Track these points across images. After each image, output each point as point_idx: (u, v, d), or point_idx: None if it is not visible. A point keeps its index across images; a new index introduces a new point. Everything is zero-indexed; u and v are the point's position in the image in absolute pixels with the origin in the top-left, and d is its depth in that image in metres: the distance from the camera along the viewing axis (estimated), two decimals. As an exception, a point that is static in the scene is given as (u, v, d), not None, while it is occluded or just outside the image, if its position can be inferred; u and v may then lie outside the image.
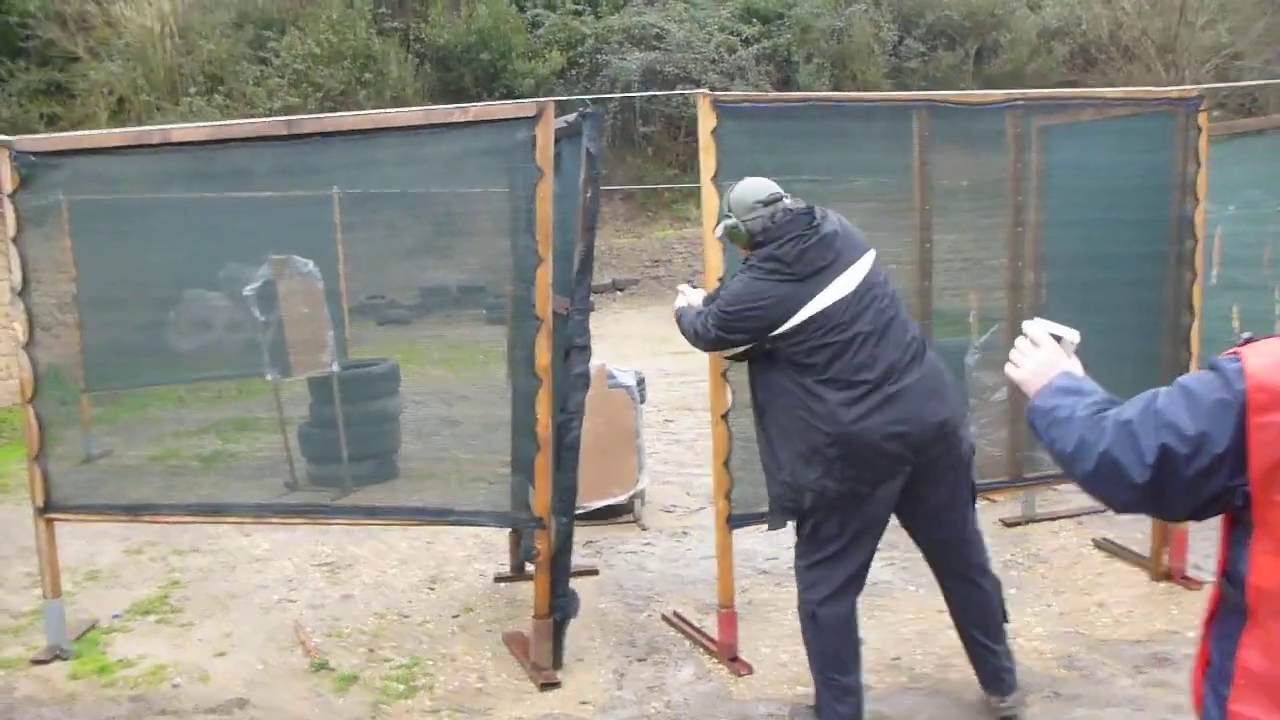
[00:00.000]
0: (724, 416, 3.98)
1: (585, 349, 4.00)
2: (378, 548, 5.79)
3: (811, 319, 3.26)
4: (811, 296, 3.27)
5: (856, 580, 3.43)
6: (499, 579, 5.19)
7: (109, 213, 4.94)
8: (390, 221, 6.11)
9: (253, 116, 17.77)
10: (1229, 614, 1.53)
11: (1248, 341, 1.51)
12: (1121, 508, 1.66)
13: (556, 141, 3.93)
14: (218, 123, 4.23)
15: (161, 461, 5.37)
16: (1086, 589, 4.78)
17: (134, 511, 4.57)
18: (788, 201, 3.43)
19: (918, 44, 22.52)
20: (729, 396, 3.96)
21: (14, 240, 4.22)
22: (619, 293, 18.33)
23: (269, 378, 6.87)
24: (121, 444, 5.79)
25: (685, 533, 5.94)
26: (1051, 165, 4.69)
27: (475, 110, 4.00)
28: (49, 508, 4.45)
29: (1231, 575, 1.51)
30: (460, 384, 6.60)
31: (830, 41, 22.43)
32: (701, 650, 4.30)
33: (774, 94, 4.33)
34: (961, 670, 3.81)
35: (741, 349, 3.49)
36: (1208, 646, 1.60)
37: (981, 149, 4.48)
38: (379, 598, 5.06)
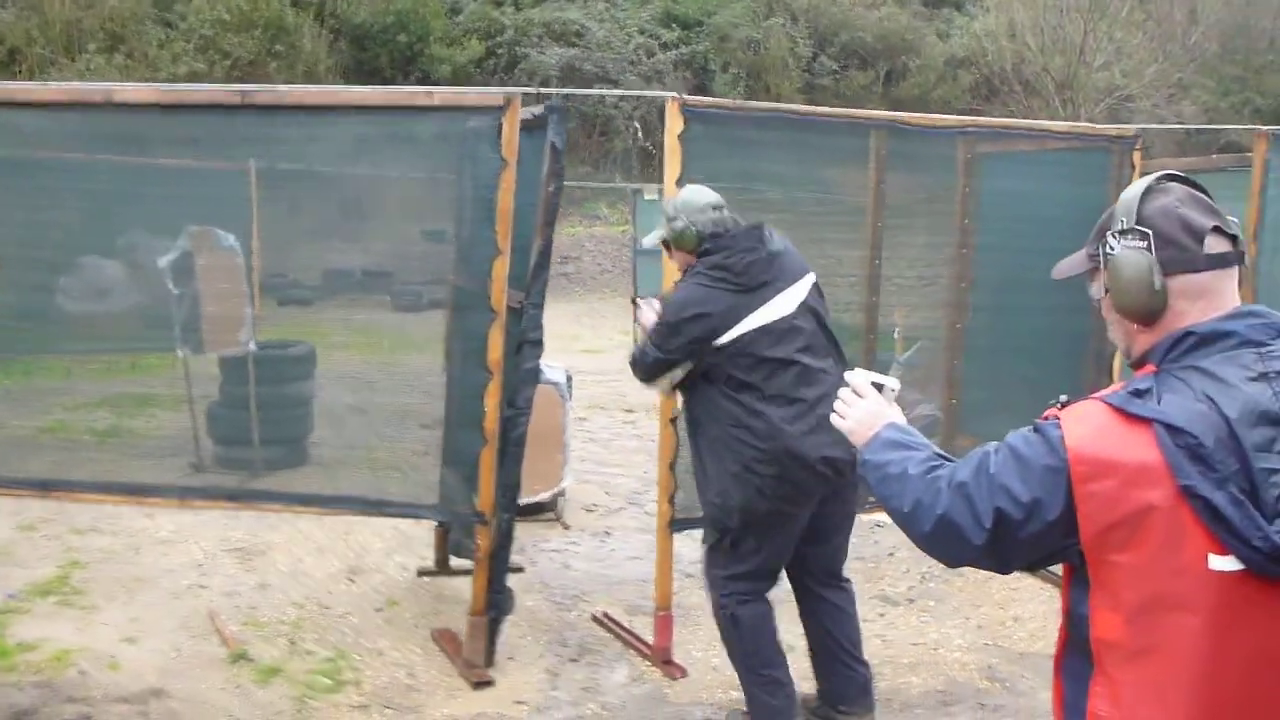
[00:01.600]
0: (672, 420, 3.98)
1: (538, 344, 3.96)
2: (291, 535, 5.61)
3: (751, 333, 3.28)
4: (752, 310, 3.30)
5: (772, 583, 3.52)
6: (422, 573, 5.09)
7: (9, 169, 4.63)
8: (313, 200, 5.94)
9: (155, 80, 17.08)
10: (1076, 652, 1.57)
11: (1065, 405, 1.57)
12: (958, 564, 1.74)
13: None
14: (167, 86, 4.04)
15: (53, 434, 5.10)
16: (1002, 603, 4.95)
17: (46, 487, 4.33)
18: (727, 211, 3.46)
19: (831, 62, 22.98)
20: (678, 399, 3.97)
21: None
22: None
23: (179, 354, 6.62)
24: (8, 414, 5.50)
25: (608, 533, 5.94)
26: (985, 191, 4.85)
27: (441, 96, 3.93)
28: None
29: (1074, 618, 1.57)
30: (371, 370, 6.44)
31: (746, 52, 22.72)
32: (633, 652, 4.30)
33: (741, 102, 4.37)
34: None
35: (681, 374, 3.44)
36: (1061, 684, 1.65)
37: (931, 171, 4.60)
38: (297, 587, 4.91)
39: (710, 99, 4.00)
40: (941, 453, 1.76)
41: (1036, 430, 1.55)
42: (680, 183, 3.83)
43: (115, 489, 4.35)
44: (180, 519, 5.78)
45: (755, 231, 3.39)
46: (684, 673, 4.09)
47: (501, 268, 3.84)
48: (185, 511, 5.61)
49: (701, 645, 4.35)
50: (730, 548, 3.43)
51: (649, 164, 19.96)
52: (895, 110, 4.66)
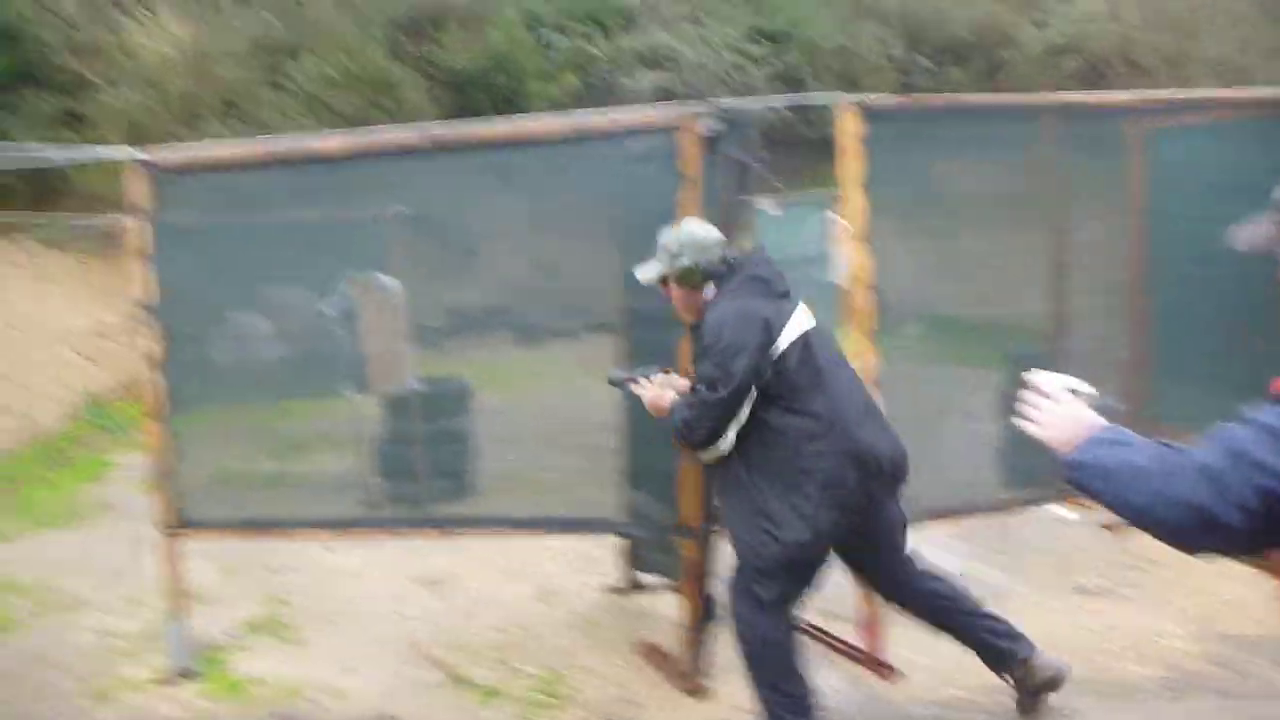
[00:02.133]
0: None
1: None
2: (472, 564, 5.74)
3: (796, 339, 3.23)
4: (790, 315, 3.28)
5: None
6: (612, 590, 5.16)
7: (204, 229, 4.86)
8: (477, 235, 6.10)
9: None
10: None
11: None
12: (1203, 550, 1.67)
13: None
14: (355, 133, 4.23)
15: (249, 479, 5.33)
16: (1210, 590, 4.78)
17: (260, 526, 4.54)
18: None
19: (926, 60, 22.68)
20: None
21: (149, 257, 4.21)
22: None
23: (347, 395, 6.88)
24: (211, 461, 5.77)
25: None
26: (1158, 166, 4.73)
27: (616, 118, 4.02)
28: (179, 524, 4.41)
29: None
30: (551, 396, 6.58)
31: (837, 59, 22.58)
32: (840, 656, 4.27)
33: (915, 98, 4.37)
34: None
35: (747, 410, 3.21)
36: None
37: (1102, 151, 4.51)
38: (493, 612, 5.03)
39: (887, 97, 4.00)
40: (1167, 443, 1.70)
41: None
42: (865, 186, 3.85)
43: (329, 524, 4.53)
44: (364, 554, 5.97)
45: (762, 251, 3.47)
46: (899, 674, 4.05)
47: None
48: (370, 545, 5.81)
49: (908, 646, 4.31)
50: (789, 583, 3.31)
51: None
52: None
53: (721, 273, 3.34)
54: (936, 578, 3.55)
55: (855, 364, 3.60)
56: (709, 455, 3.34)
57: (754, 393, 3.18)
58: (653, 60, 22.12)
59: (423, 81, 21.03)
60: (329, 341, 6.60)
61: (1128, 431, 1.77)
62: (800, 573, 3.30)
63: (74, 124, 19.77)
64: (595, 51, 22.21)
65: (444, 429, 6.83)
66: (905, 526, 3.47)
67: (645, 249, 3.98)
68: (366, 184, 4.24)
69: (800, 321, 3.27)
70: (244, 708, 4.12)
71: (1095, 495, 1.76)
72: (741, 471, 3.27)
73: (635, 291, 4.09)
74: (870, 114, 3.86)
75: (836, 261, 13.95)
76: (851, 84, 22.52)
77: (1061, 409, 1.85)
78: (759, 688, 3.38)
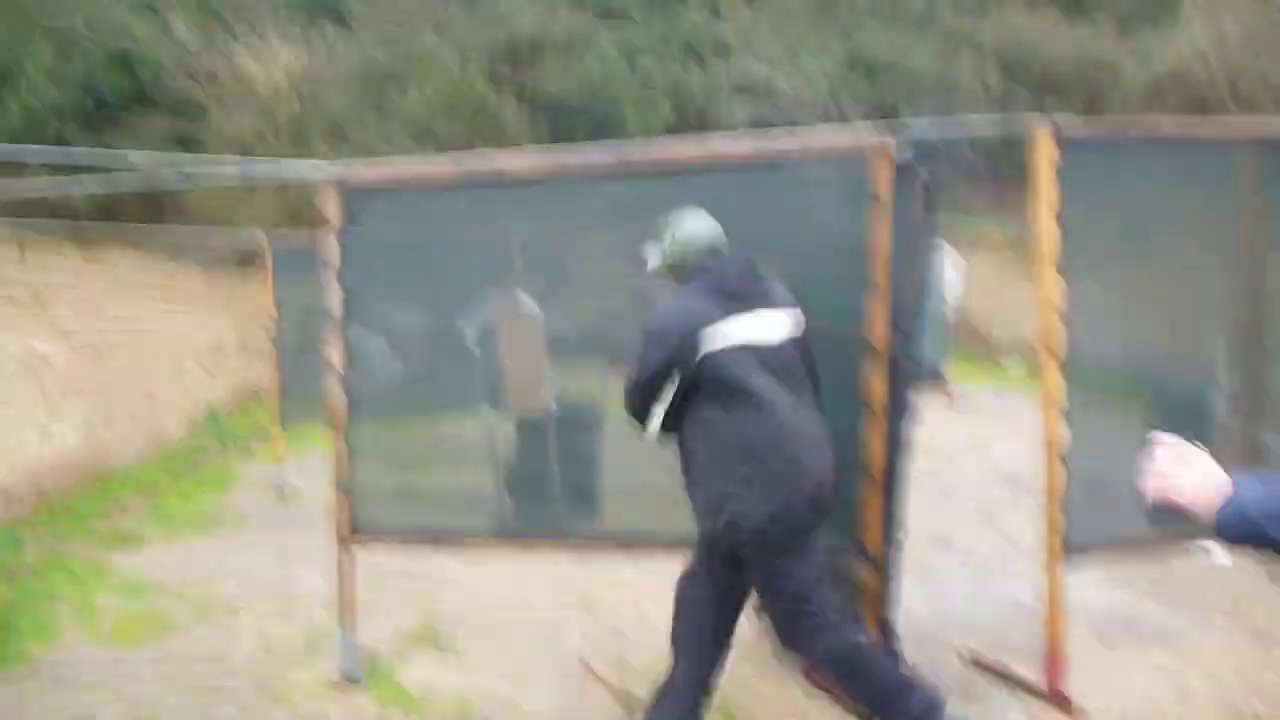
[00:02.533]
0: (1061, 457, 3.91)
1: (918, 379, 3.98)
2: (618, 584, 5.75)
3: (735, 347, 3.32)
4: (741, 323, 3.36)
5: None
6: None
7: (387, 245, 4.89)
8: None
9: (375, 166, 18.22)
10: None
11: None
12: None
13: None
14: (545, 155, 4.29)
15: (419, 490, 5.41)
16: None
17: (432, 536, 4.61)
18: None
19: (1026, 93, 22.43)
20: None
21: (337, 275, 4.33)
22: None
23: (485, 414, 6.96)
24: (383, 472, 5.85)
25: (928, 570, 5.84)
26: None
27: (807, 141, 4.04)
28: (356, 531, 4.50)
29: None
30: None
31: (936, 93, 22.44)
32: (1018, 691, 4.19)
33: (1111, 126, 4.33)
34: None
35: (666, 391, 3.40)
36: None
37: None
38: (651, 634, 5.01)
39: (1083, 126, 3.97)
40: None
41: None
42: (1059, 218, 3.81)
43: (502, 535, 4.58)
44: (507, 570, 6.01)
45: (742, 259, 3.50)
46: (1080, 710, 3.96)
47: (880, 306, 3.88)
48: (514, 560, 5.84)
49: (1086, 681, 4.21)
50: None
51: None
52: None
53: (695, 271, 3.47)
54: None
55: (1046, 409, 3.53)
56: (648, 435, 3.52)
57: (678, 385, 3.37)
58: (748, 90, 22.23)
59: (521, 108, 21.39)
60: (478, 359, 6.70)
61: (1252, 478, 1.82)
62: (716, 556, 3.43)
63: (187, 145, 20.49)
64: (690, 80, 22.40)
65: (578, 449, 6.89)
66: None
67: (831, 273, 3.99)
68: (550, 205, 4.30)
69: (752, 332, 3.36)
70: (420, 718, 4.17)
71: (1259, 542, 1.78)
72: (683, 456, 3.47)
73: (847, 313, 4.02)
74: (1064, 140, 3.83)
75: (948, 289, 13.77)
76: (950, 118, 22.38)
77: (1195, 467, 1.86)
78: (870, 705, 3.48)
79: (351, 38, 21.35)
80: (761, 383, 3.31)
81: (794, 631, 3.41)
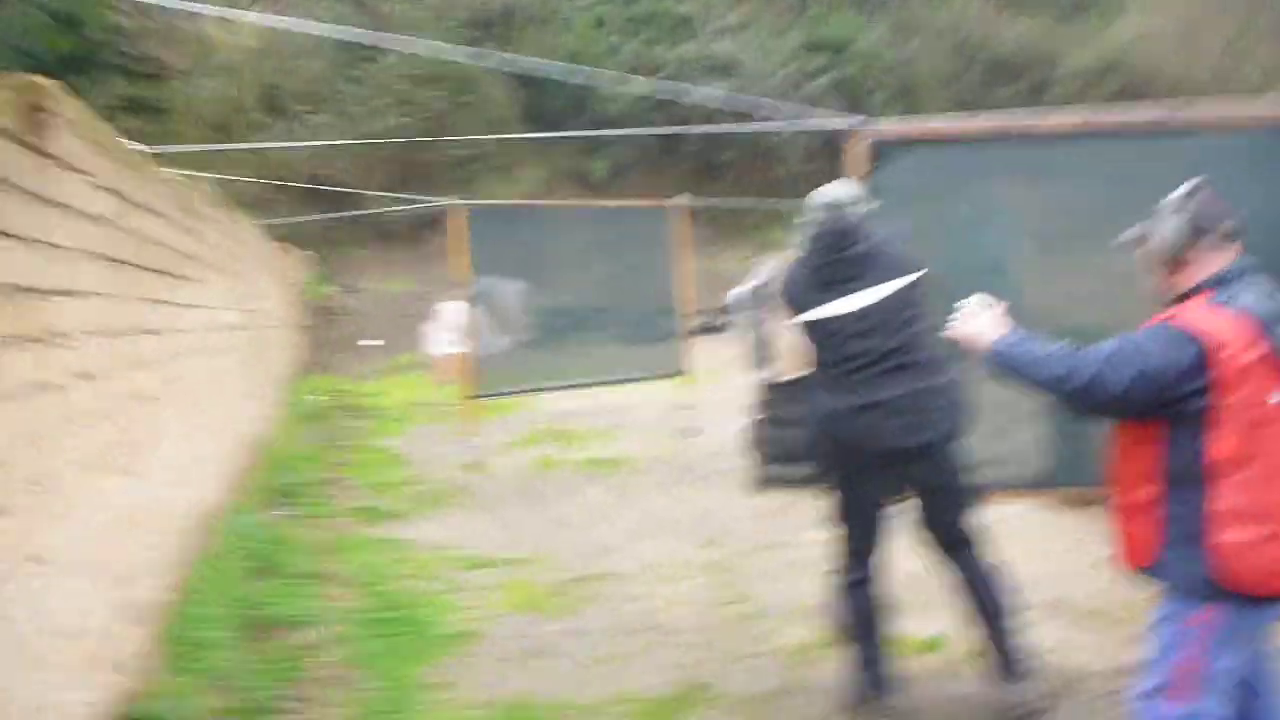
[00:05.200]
0: None
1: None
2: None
3: (816, 322, 3.55)
4: (819, 303, 3.54)
5: (870, 568, 3.69)
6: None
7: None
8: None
9: (359, 138, 17.54)
10: (1183, 484, 2.34)
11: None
12: (1097, 413, 2.48)
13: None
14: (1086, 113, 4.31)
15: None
16: None
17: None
18: (848, 211, 3.59)
19: (976, 77, 23.46)
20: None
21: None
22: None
23: (759, 376, 6.98)
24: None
25: None
26: None
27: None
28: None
29: (1179, 457, 2.34)
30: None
31: (894, 74, 23.20)
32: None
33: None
34: None
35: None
36: (1165, 513, 2.38)
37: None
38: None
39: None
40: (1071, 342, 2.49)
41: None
42: None
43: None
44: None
45: (839, 234, 3.54)
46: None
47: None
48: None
49: None
50: (832, 516, 3.70)
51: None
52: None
53: (809, 237, 3.60)
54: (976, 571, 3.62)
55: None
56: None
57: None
58: (715, 67, 22.41)
59: (501, 79, 20.98)
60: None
61: (1026, 332, 2.57)
62: (832, 503, 3.67)
63: (144, 113, 19.19)
64: (663, 56, 22.45)
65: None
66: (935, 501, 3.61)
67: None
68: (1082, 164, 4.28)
69: (829, 309, 3.53)
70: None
71: (1008, 371, 2.55)
72: None
73: None
74: None
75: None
76: (910, 98, 23.19)
77: (983, 316, 2.66)
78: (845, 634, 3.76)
79: (320, 2, 20.42)
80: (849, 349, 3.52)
81: None
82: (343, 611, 4.73)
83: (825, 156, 22.18)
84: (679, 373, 9.03)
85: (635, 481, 7.51)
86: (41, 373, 2.88)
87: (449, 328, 10.85)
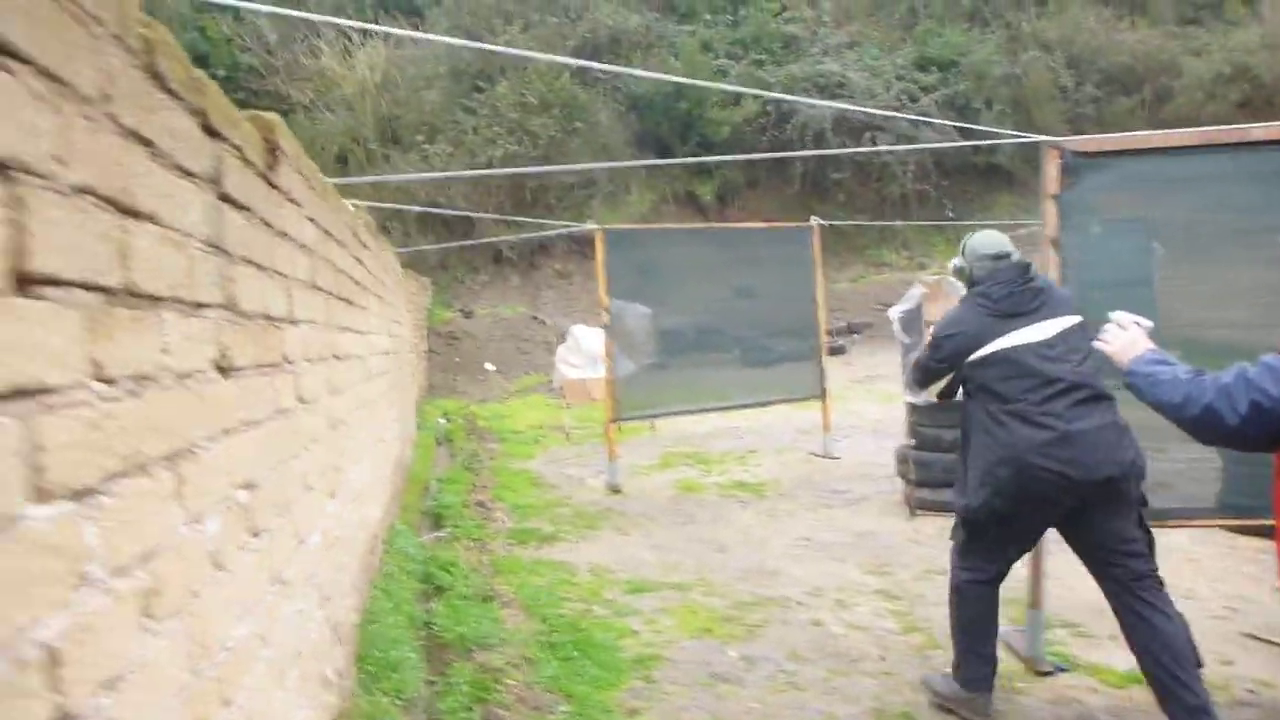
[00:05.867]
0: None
1: None
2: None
3: (1001, 351, 3.61)
4: (1005, 333, 3.63)
5: (1001, 571, 3.79)
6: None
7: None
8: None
9: (474, 166, 17.87)
10: None
11: None
12: (1213, 443, 2.47)
13: None
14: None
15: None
16: None
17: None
18: (1015, 258, 3.79)
19: (1093, 89, 22.87)
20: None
21: (1054, 241, 4.16)
22: (856, 335, 18.35)
23: (908, 399, 6.85)
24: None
25: None
26: None
27: None
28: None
29: None
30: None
31: (1007, 87, 22.75)
32: None
33: None
34: None
35: (944, 380, 3.94)
36: None
37: None
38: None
39: None
40: (1198, 369, 2.48)
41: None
42: None
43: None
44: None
45: (1021, 268, 3.74)
46: None
47: None
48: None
49: None
50: (971, 533, 3.76)
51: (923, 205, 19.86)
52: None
53: (975, 281, 3.81)
54: (1148, 607, 3.49)
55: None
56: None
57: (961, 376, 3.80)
58: (824, 87, 22.29)
59: (610, 105, 21.21)
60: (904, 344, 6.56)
61: (1170, 356, 2.58)
62: (974, 530, 3.74)
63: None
64: (768, 78, 22.42)
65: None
66: (1113, 528, 3.54)
67: None
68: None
69: (1023, 335, 3.61)
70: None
71: (1140, 393, 2.56)
72: (963, 445, 3.80)
73: None
74: None
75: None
76: (1023, 113, 22.74)
77: (1125, 334, 2.71)
78: (953, 633, 3.93)
79: (429, 34, 20.96)
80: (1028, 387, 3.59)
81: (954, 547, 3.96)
82: (519, 634, 4.75)
83: (938, 175, 21.90)
84: (817, 394, 8.92)
85: (782, 504, 7.42)
86: (280, 399, 2.96)
87: (580, 351, 10.93)
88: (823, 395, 8.94)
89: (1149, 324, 2.70)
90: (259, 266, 2.82)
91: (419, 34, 17.01)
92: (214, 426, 2.05)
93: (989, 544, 3.76)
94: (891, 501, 7.15)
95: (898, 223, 20.14)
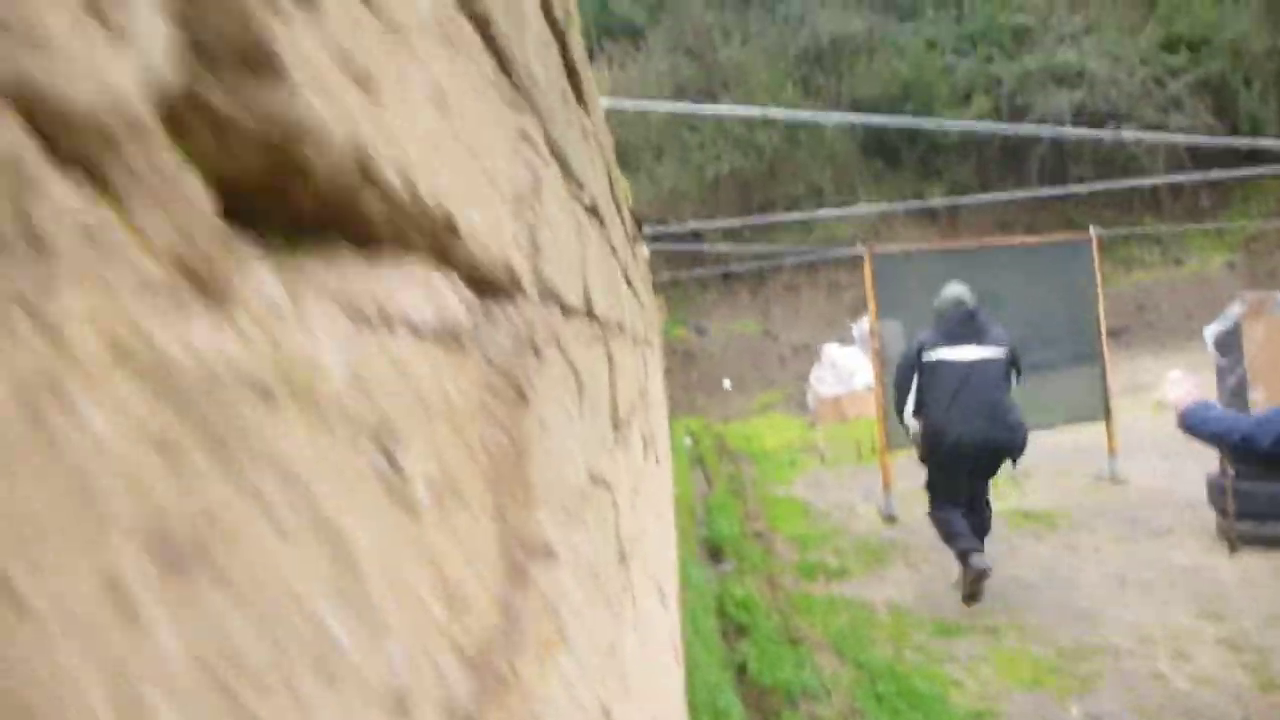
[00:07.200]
0: None
1: None
2: None
3: (938, 362, 5.53)
4: (954, 347, 5.52)
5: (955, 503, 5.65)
6: None
7: None
8: None
9: (699, 180, 17.94)
10: None
11: None
12: (1259, 465, 3.17)
13: None
14: None
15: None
16: None
17: None
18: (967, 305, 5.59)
19: (1373, 59, 20.67)
20: None
21: None
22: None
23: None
24: None
25: None
26: None
27: None
28: None
29: None
30: None
31: (1270, 63, 20.88)
32: None
33: None
34: None
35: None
36: None
37: None
38: None
39: None
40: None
41: None
42: None
43: None
44: None
45: (963, 314, 5.58)
46: None
47: None
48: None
49: None
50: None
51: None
52: None
53: (938, 316, 5.68)
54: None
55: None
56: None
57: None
58: (1061, 78, 21.15)
59: (835, 113, 20.87)
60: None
61: (1218, 405, 3.25)
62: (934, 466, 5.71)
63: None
64: (1000, 72, 21.51)
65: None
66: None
67: None
68: None
69: (958, 354, 5.50)
70: None
71: (1197, 433, 3.12)
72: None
73: None
74: None
75: None
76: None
77: (1185, 384, 3.25)
78: (946, 544, 5.67)
79: (650, 54, 21.25)
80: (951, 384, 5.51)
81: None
82: (840, 682, 4.62)
83: (1192, 164, 20.24)
84: (1101, 415, 8.37)
85: (1080, 536, 6.97)
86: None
87: (835, 368, 10.74)
88: (1107, 415, 8.38)
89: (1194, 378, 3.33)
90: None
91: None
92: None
93: (940, 485, 5.73)
94: (1203, 532, 6.59)
95: (1186, 225, 18.70)
